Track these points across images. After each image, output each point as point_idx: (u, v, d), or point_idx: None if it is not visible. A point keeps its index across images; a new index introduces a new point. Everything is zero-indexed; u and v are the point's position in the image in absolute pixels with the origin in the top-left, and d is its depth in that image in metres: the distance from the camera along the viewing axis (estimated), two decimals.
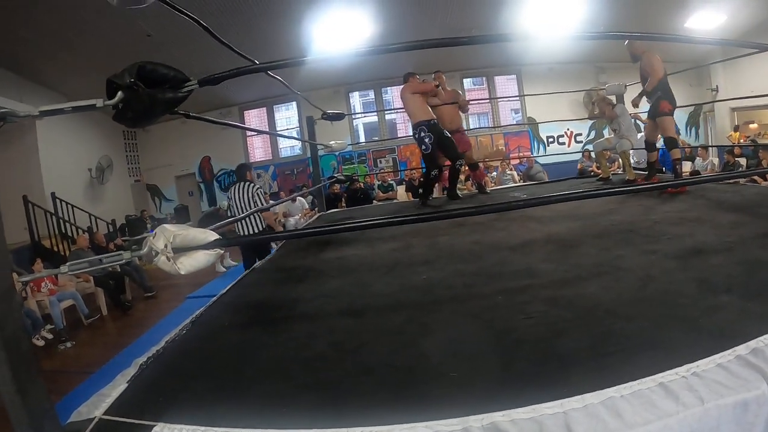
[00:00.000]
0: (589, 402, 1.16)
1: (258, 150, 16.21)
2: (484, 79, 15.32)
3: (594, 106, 5.98)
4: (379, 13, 10.34)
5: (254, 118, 15.81)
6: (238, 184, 6.74)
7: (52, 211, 11.25)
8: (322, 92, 13.58)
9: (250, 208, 6.36)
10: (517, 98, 14.91)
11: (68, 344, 6.86)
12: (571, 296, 1.92)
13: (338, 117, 6.55)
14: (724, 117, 13.78)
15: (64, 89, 11.57)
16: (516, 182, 11.09)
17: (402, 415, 1.22)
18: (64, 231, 11.29)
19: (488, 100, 14.94)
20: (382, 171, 14.43)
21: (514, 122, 15.42)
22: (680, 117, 14.13)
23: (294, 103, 15.52)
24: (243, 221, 6.35)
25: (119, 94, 1.53)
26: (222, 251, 1.63)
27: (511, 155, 14.33)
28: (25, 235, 10.46)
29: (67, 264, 1.50)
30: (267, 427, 1.27)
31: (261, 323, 2.25)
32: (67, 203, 11.79)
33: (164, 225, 1.61)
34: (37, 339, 6.69)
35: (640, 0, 10.18)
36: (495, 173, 12.44)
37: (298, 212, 11.47)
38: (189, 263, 1.57)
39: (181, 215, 15.04)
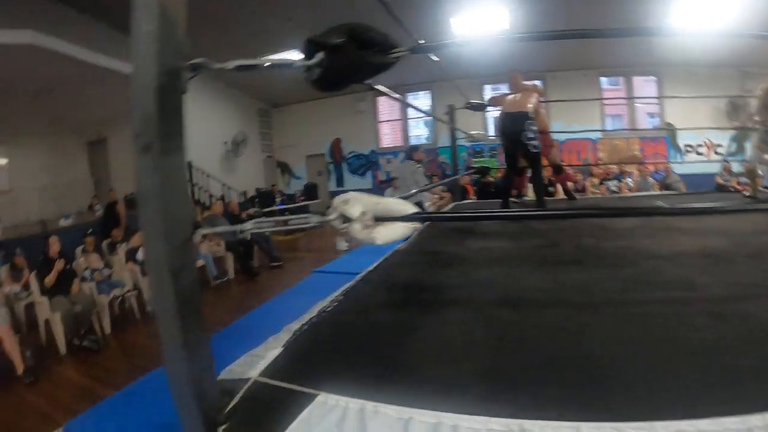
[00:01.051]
0: None
1: (387, 136, 16.57)
2: (621, 79, 14.66)
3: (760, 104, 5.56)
4: (519, 7, 10.28)
5: (386, 104, 16.13)
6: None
7: (189, 179, 12.27)
8: (456, 83, 13.58)
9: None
10: (656, 101, 14.12)
11: None
12: (735, 313, 1.85)
13: (481, 107, 6.50)
14: None
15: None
16: (656, 190, 10.61)
17: (581, 413, 1.22)
18: (197, 198, 12.41)
19: (625, 102, 14.34)
20: None
21: (651, 127, 14.63)
22: None
23: (427, 92, 15.66)
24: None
25: (319, 54, 1.46)
26: (419, 225, 1.61)
27: (645, 162, 13.66)
28: None
29: (250, 222, 1.44)
30: (439, 410, 1.25)
31: (413, 304, 2.28)
32: (202, 172, 12.87)
33: (356, 193, 1.55)
34: None
35: None
36: (629, 179, 11.95)
37: (427, 200, 11.66)
38: (385, 233, 1.50)
39: (311, 193, 15.69)
